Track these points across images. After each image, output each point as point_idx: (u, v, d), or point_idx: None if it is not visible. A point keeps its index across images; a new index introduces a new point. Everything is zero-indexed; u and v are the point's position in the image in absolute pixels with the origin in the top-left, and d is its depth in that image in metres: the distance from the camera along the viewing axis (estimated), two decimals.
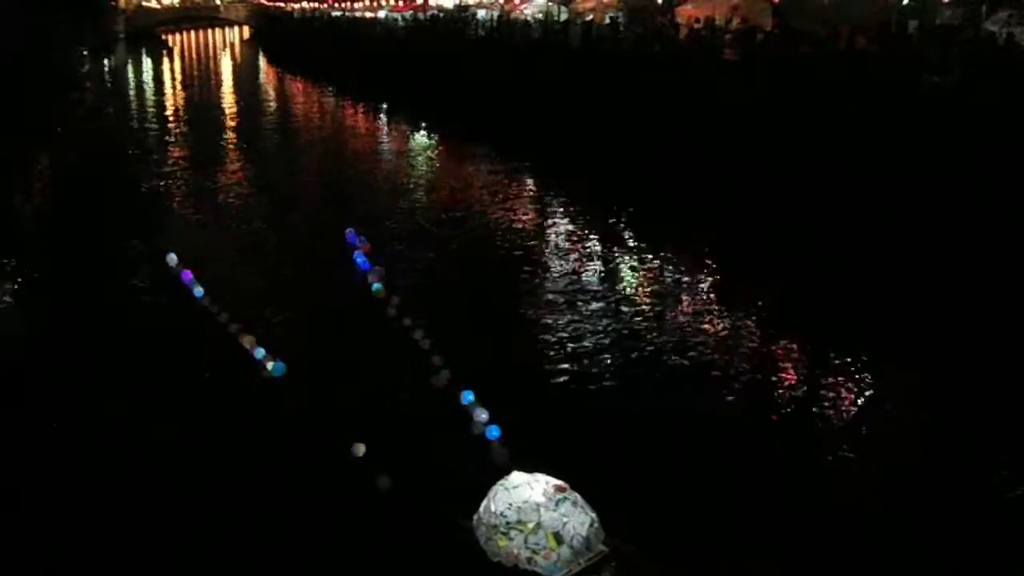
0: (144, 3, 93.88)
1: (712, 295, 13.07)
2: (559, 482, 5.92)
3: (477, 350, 10.29)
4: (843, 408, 9.36)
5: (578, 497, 6.01)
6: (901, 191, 13.92)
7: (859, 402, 9.46)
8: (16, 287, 13.30)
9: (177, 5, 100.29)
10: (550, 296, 12.68)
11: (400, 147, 27.66)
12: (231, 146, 26.65)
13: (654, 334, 11.33)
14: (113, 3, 74.71)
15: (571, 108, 23.75)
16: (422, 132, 29.32)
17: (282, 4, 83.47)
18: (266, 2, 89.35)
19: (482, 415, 8.54)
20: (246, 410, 9.00)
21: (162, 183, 20.50)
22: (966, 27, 18.90)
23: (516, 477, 5.11)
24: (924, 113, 14.50)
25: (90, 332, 11.07)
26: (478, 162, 23.30)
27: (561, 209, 18.24)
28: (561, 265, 14.23)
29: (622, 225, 17.12)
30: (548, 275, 13.71)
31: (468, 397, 8.83)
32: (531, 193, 20.03)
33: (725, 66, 20.65)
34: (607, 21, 30.05)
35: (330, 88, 42.51)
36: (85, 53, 43.32)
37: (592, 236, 16.17)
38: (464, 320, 11.46)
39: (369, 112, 35.52)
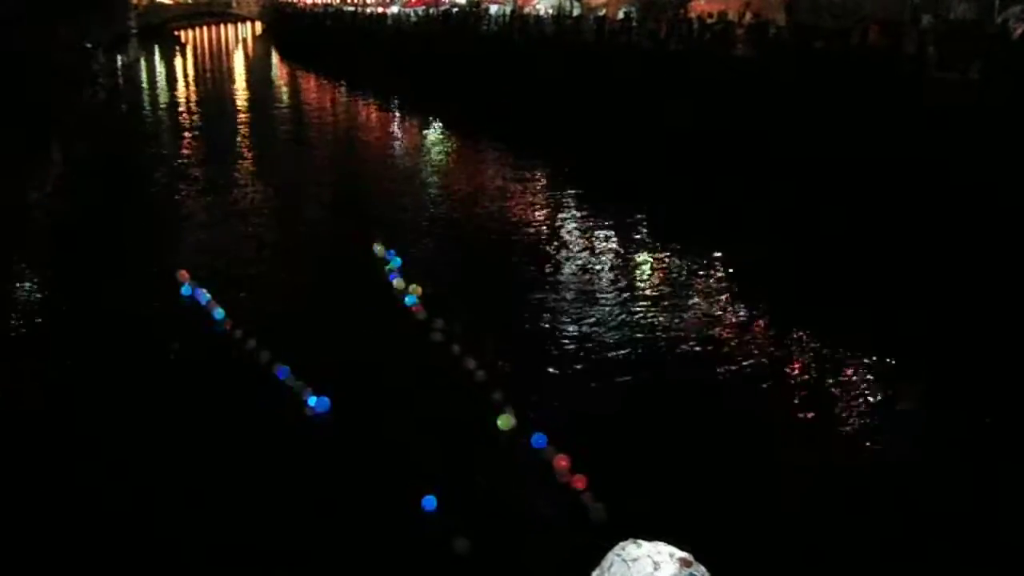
0: None
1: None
2: (684, 554, 5.57)
3: (538, 380, 9.58)
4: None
5: (704, 571, 5.83)
6: (907, 189, 13.94)
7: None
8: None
9: (190, 1, 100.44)
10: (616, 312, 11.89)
11: (416, 145, 27.73)
12: (245, 145, 26.65)
13: (729, 353, 10.52)
14: None
15: (591, 105, 23.73)
16: (437, 129, 29.35)
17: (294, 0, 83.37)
18: None
19: (561, 462, 7.63)
20: (292, 460, 7.96)
21: (175, 183, 20.34)
22: (982, 23, 18.86)
23: (633, 548, 4.64)
24: (939, 111, 14.50)
25: (90, 370, 10.01)
26: (495, 160, 23.33)
27: (587, 208, 17.91)
28: (604, 270, 13.90)
29: (672, 232, 16.04)
30: (586, 280, 13.26)
31: (541, 441, 7.96)
32: (551, 191, 19.95)
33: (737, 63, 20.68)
34: (620, 16, 30.11)
35: (342, 84, 42.61)
36: (89, 47, 43.27)
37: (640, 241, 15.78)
38: (516, 343, 10.64)
39: (382, 108, 35.60)
